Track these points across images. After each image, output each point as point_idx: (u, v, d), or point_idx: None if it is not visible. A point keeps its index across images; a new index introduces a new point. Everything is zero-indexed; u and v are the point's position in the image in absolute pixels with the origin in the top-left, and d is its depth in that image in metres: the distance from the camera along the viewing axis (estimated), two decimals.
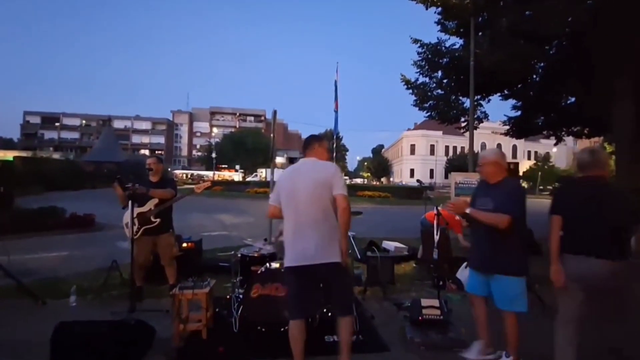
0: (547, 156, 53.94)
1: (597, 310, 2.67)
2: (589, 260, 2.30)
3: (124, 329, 2.80)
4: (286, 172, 2.72)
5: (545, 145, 57.86)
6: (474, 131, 10.99)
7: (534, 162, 54.76)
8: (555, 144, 14.12)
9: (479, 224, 2.65)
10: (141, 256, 3.97)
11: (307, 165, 2.60)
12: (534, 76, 10.50)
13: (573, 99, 10.54)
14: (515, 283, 2.61)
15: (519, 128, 12.26)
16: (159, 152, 66.10)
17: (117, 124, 64.44)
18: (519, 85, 10.76)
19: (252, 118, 73.43)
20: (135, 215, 3.79)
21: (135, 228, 3.83)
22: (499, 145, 60.53)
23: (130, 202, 3.74)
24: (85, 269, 5.15)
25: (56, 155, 39.75)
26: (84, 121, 66.49)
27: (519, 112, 11.91)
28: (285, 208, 2.54)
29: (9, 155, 31.74)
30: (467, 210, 2.70)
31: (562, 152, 57.32)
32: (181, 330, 3.03)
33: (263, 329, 3.21)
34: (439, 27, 11.03)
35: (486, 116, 12.20)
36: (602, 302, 2.65)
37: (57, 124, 65.21)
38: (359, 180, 61.42)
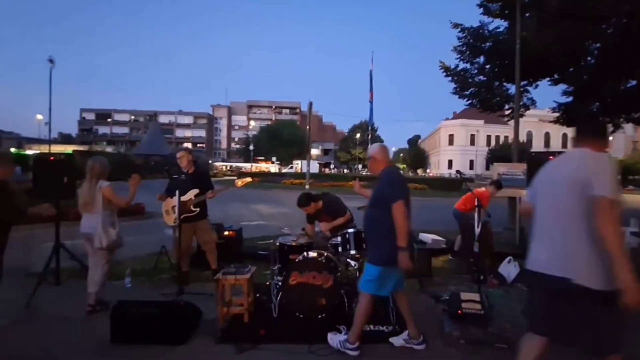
0: None
1: None
2: None
3: (174, 309, 3.02)
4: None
5: None
6: (520, 119, 10.37)
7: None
8: (612, 132, 12.96)
9: None
10: (184, 242, 4.23)
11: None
12: (589, 58, 9.67)
13: (634, 82, 9.60)
14: (370, 269, 2.75)
15: (570, 115, 11.37)
16: (201, 145, 69.04)
17: (162, 119, 68.05)
18: (571, 69, 9.96)
19: (287, 110, 74.30)
20: (175, 204, 4.05)
21: (174, 216, 4.09)
22: (547, 134, 56.93)
23: (177, 192, 3.98)
24: (138, 253, 5.56)
25: (109, 149, 42.82)
26: (132, 117, 70.82)
27: (570, 98, 11.04)
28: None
29: (68, 149, 34.67)
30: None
31: (620, 141, 52.47)
32: (225, 313, 3.21)
33: (301, 315, 3.32)
34: (481, 10, 10.44)
35: (533, 103, 11.44)
36: None
37: (109, 119, 69.99)
38: None
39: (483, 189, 5.61)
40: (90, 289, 3.44)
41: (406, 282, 4.43)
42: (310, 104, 6.36)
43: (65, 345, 2.88)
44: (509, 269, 4.70)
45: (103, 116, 70.29)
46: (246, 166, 51.72)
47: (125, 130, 70.38)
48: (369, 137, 40.84)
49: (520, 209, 2.43)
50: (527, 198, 2.28)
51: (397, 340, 2.91)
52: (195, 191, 4.28)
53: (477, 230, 3.93)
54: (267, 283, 3.96)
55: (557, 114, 11.69)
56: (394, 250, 2.58)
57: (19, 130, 68.02)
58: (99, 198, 3.47)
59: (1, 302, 3.21)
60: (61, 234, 4.20)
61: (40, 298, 3.67)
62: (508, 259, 4.80)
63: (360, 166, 57.02)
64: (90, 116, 70.70)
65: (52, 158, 4.23)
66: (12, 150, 31.18)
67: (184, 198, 4.23)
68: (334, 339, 2.85)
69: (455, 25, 10.69)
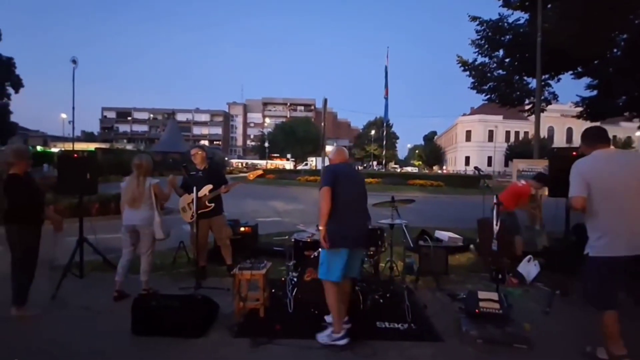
0: (628, 141, 47.75)
1: None
2: None
3: (192, 303, 3.08)
4: (597, 162, 2.56)
5: (626, 129, 50.96)
6: (541, 114, 10.06)
7: (612, 147, 48.76)
8: None
9: None
10: (200, 238, 4.31)
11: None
12: (615, 50, 9.28)
13: None
14: (321, 252, 2.94)
15: (594, 110, 10.95)
16: (217, 142, 70.04)
17: (180, 117, 69.33)
18: (596, 62, 9.58)
19: (302, 108, 74.43)
20: (191, 200, 4.14)
21: (191, 212, 4.17)
22: (569, 130, 54.98)
23: (194, 188, 4.06)
24: (157, 248, 5.67)
25: (129, 147, 43.89)
26: (151, 115, 72.44)
27: (594, 92, 10.63)
28: (603, 200, 2.45)
29: (91, 146, 35.78)
30: None
31: None
32: (241, 307, 3.26)
33: (316, 311, 3.33)
34: (500, 2, 10.17)
35: (555, 97, 11.10)
36: None
37: (129, 118, 71.78)
38: (408, 169, 59.68)
39: (523, 182, 5.35)
40: (143, 277, 3.76)
41: (422, 280, 4.42)
42: (325, 101, 6.35)
43: (88, 335, 2.98)
44: (528, 267, 4.58)
45: (123, 114, 72.12)
46: (261, 163, 52.12)
47: (144, 128, 72.03)
48: (384, 133, 40.61)
49: (574, 202, 2.55)
50: (577, 192, 2.50)
51: (322, 337, 2.88)
52: (209, 187, 4.37)
53: (496, 228, 3.84)
54: (283, 279, 3.99)
55: (580, 109, 11.28)
56: (334, 234, 2.78)
57: (45, 129, 70.63)
58: (148, 194, 3.74)
59: (30, 293, 3.35)
60: (84, 228, 4.35)
61: (65, 290, 3.81)
62: (528, 257, 4.68)
63: (375, 163, 56.62)
64: (112, 115, 72.67)
65: (75, 155, 4.36)
66: (39, 148, 32.41)
67: (199, 194, 4.32)
68: (321, 336, 2.88)
69: (474, 19, 10.45)
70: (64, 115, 37.48)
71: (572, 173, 2.58)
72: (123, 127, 72.14)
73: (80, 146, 33.68)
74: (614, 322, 2.44)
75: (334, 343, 2.80)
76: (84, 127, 72.96)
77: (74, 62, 21.30)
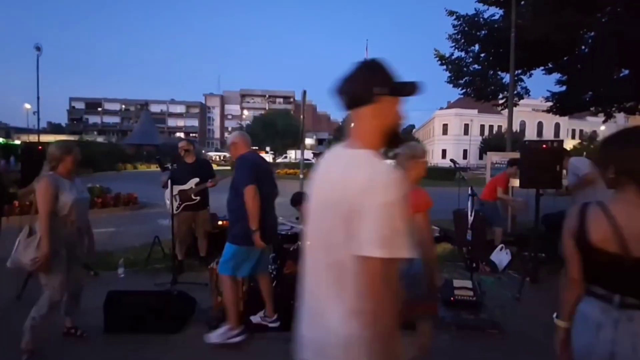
0: (593, 135, 50.26)
1: None
2: None
3: (168, 299, 3.01)
4: None
5: (592, 123, 53.70)
6: (513, 109, 10.39)
7: (579, 141, 51.27)
8: (604, 122, 13.07)
9: None
10: (181, 231, 4.22)
11: None
12: (583, 47, 9.66)
13: (627, 72, 9.64)
14: (227, 247, 2.83)
15: (563, 104, 11.42)
16: (193, 134, 68.32)
17: (154, 108, 67.09)
18: (565, 58, 9.96)
19: (281, 100, 73.70)
20: (176, 192, 4.03)
21: (176, 205, 4.07)
22: (540, 124, 57.27)
23: (169, 182, 3.94)
24: (131, 243, 5.53)
25: (100, 139, 42.18)
26: (123, 106, 69.66)
27: (564, 87, 11.08)
28: None
29: (58, 138, 34.07)
30: None
31: (611, 130, 52.81)
32: (219, 302, 3.21)
33: (295, 304, 3.33)
34: None
35: (527, 92, 11.46)
36: None
37: (99, 109, 68.78)
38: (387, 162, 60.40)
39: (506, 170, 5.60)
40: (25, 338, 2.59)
41: None
42: (304, 93, 6.29)
43: (59, 335, 2.86)
44: (500, 256, 4.76)
45: (93, 105, 69.00)
46: None
47: (116, 119, 69.28)
48: None
49: (586, 179, 2.91)
50: (588, 168, 3.06)
51: (255, 318, 3.03)
52: (196, 180, 4.29)
53: (470, 218, 3.96)
54: None
55: (550, 104, 11.74)
56: (245, 231, 2.69)
57: (7, 120, 66.53)
58: None
59: None
60: None
61: (32, 289, 3.63)
62: (500, 246, 4.87)
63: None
64: (80, 105, 69.37)
65: (40, 147, 4.13)
66: (0, 140, 30.59)
67: (185, 187, 4.23)
68: (213, 336, 2.75)
69: (451, 13, 10.60)
70: (27, 106, 35.48)
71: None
72: (93, 119, 69.05)
73: (46, 138, 32.04)
74: None
75: (230, 341, 2.71)
76: (50, 119, 69.47)
77: (38, 49, 20.10)
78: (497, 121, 55.02)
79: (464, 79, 11.27)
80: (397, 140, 1.10)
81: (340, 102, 1.07)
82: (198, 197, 4.33)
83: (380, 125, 1.03)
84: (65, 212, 2.49)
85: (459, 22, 10.54)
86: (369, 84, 1.00)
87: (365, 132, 1.03)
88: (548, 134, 55.11)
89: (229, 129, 71.71)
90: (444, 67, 11.27)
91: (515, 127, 48.55)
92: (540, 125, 57.83)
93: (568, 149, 4.62)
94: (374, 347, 0.90)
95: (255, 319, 3.03)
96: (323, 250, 1.00)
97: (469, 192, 4.06)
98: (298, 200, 4.23)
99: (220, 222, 5.21)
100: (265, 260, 3.08)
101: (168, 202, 4.36)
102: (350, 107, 1.05)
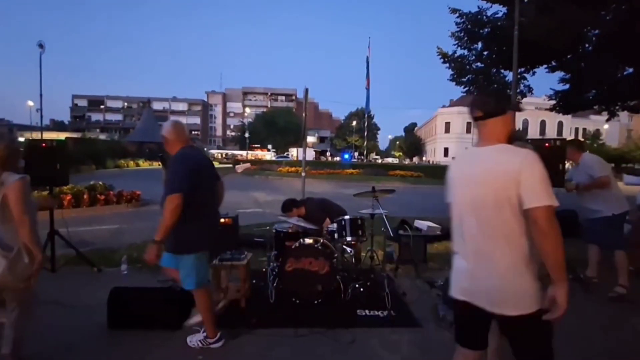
0: (597, 133, 49.99)
1: None
2: None
3: (170, 295, 3.03)
4: None
5: (595, 122, 53.49)
6: None
7: (582, 139, 50.96)
8: (608, 120, 13.01)
9: None
10: None
11: None
12: (587, 45, 9.60)
13: (631, 70, 9.57)
14: (184, 260, 2.51)
15: (567, 103, 11.35)
16: (195, 132, 68.42)
17: (156, 106, 67.10)
18: (569, 56, 9.90)
19: (283, 97, 73.60)
20: None
21: None
22: (543, 122, 56.97)
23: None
24: (133, 240, 5.55)
25: (102, 136, 42.26)
26: (125, 103, 69.82)
27: (567, 86, 11.01)
28: None
29: (61, 136, 34.18)
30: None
31: (614, 129, 52.81)
32: (221, 299, 3.23)
33: (297, 301, 3.35)
34: None
35: (530, 90, 11.40)
36: None
37: (101, 106, 68.94)
38: (389, 160, 60.40)
39: None
40: (4, 349, 2.32)
41: (402, 268, 4.51)
42: (306, 91, 6.28)
43: (64, 331, 2.89)
44: None
45: (96, 103, 69.21)
46: (242, 154, 51.44)
47: (118, 117, 69.47)
48: (365, 124, 40.80)
49: (601, 181, 3.17)
50: (603, 170, 3.52)
51: (194, 341, 2.66)
52: None
53: None
54: (264, 269, 3.98)
55: (553, 102, 11.68)
56: (197, 236, 2.47)
57: (10, 117, 66.66)
58: None
59: None
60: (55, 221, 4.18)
61: (37, 285, 3.66)
62: None
63: (356, 154, 57.00)
64: (83, 103, 69.59)
65: (44, 145, 4.15)
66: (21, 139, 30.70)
67: None
68: (193, 340, 2.67)
69: (454, 11, 10.54)
70: (30, 103, 35.66)
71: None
72: (95, 116, 69.29)
73: (49, 135, 32.13)
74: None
75: (209, 347, 2.63)
76: (54, 116, 69.87)
77: (41, 46, 20.11)
78: None
79: (466, 77, 11.22)
80: (512, 140, 1.59)
81: (473, 113, 1.61)
82: None
83: (507, 130, 1.57)
84: None
85: (462, 20, 10.48)
86: (501, 102, 1.61)
87: (499, 134, 1.56)
88: (551, 133, 54.83)
89: (231, 126, 71.82)
90: (447, 65, 11.22)
91: (518, 125, 48.40)
92: (543, 123, 57.55)
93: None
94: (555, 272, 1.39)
95: (194, 340, 2.67)
96: (488, 216, 1.48)
97: None
98: (289, 206, 4.20)
99: (222, 220, 5.23)
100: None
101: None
102: (485, 118, 1.57)
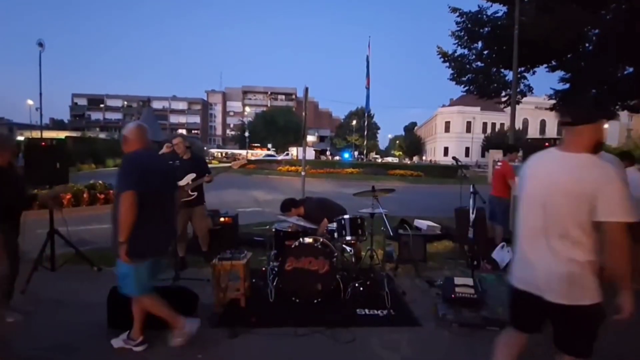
0: None
1: None
2: None
3: (170, 294, 3.02)
4: None
5: None
6: (516, 106, 10.36)
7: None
8: (607, 120, 13.00)
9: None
10: (179, 227, 4.23)
11: None
12: (587, 45, 9.61)
13: (631, 70, 9.58)
14: (120, 265, 2.44)
15: (566, 102, 11.38)
16: (195, 131, 68.37)
17: (156, 105, 67.06)
18: (569, 56, 9.90)
19: (283, 97, 73.51)
20: None
21: None
22: (543, 122, 56.95)
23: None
24: None
25: (102, 135, 42.24)
26: (125, 102, 69.68)
27: (567, 85, 11.02)
28: None
29: (60, 135, 34.16)
30: None
31: (614, 129, 52.79)
32: (221, 298, 3.24)
33: (297, 300, 3.35)
34: None
35: (530, 90, 11.42)
36: None
37: (101, 105, 68.84)
38: (389, 159, 60.38)
39: (500, 164, 5.38)
40: None
41: (402, 267, 4.51)
42: (306, 90, 6.27)
43: (63, 330, 2.89)
44: (502, 254, 4.76)
45: (95, 102, 69.09)
46: (242, 153, 51.45)
47: (118, 116, 69.33)
48: (365, 123, 40.73)
49: None
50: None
51: (117, 342, 2.63)
52: (192, 175, 4.33)
53: (472, 216, 3.96)
54: (264, 268, 3.98)
55: (553, 101, 11.69)
56: (141, 243, 2.37)
57: (10, 116, 66.56)
58: None
59: None
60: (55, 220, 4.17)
61: (36, 283, 3.66)
62: (502, 244, 4.86)
63: (356, 153, 57.00)
64: (83, 102, 69.47)
65: (43, 143, 4.15)
66: (20, 138, 30.73)
67: (181, 183, 4.23)
68: (117, 340, 2.65)
69: (454, 10, 10.55)
70: (30, 102, 35.59)
71: None
72: (95, 115, 69.15)
73: (49, 134, 32.12)
74: None
75: (130, 347, 2.59)
76: (53, 115, 69.51)
77: (41, 45, 20.09)
78: (499, 119, 54.77)
79: (466, 77, 11.23)
80: (599, 150, 1.64)
81: (562, 118, 1.69)
82: (195, 193, 4.35)
83: (594, 139, 1.61)
84: None
85: (462, 19, 10.49)
86: (593, 110, 1.65)
87: (585, 143, 1.61)
88: (551, 132, 54.77)
89: (231, 125, 71.73)
90: (447, 64, 11.24)
91: (518, 125, 48.33)
92: (543, 123, 57.52)
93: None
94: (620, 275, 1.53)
95: (118, 342, 2.63)
96: (559, 215, 1.59)
97: (471, 190, 4.06)
98: (288, 206, 4.20)
99: (222, 219, 5.24)
100: (157, 272, 2.71)
101: None
102: (574, 125, 1.63)
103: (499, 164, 5.41)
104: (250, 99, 74.39)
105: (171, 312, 2.60)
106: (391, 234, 4.52)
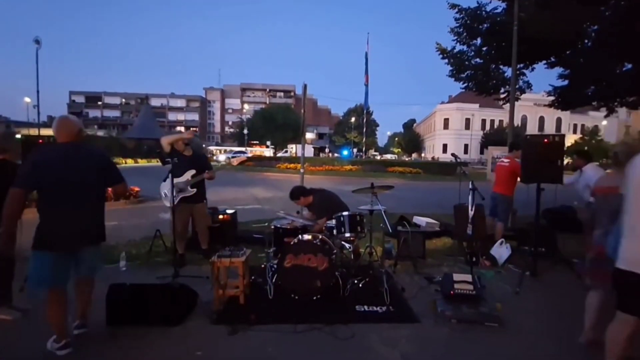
0: (595, 130, 50.04)
1: None
2: None
3: (169, 292, 3.03)
4: None
5: (594, 118, 53.57)
6: (515, 103, 10.35)
7: (580, 136, 51.08)
8: (606, 116, 13.03)
9: None
10: (180, 224, 4.24)
11: None
12: (586, 41, 9.58)
13: (630, 66, 9.56)
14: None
15: (565, 99, 11.35)
16: (194, 128, 68.17)
17: (154, 102, 66.86)
18: (568, 52, 9.88)
19: (281, 94, 73.32)
20: (172, 185, 4.03)
21: (172, 197, 4.08)
22: (541, 118, 57.00)
23: (170, 175, 3.94)
24: (132, 237, 5.55)
25: (100, 133, 42.09)
26: (123, 100, 69.40)
27: (566, 82, 11.00)
28: None
29: None
30: None
31: (612, 125, 52.89)
32: (220, 295, 3.23)
33: (296, 297, 3.35)
34: None
35: (529, 86, 11.38)
36: None
37: (99, 102, 68.52)
38: (388, 156, 60.35)
39: (505, 160, 5.29)
40: None
41: (401, 264, 4.52)
42: (305, 87, 6.25)
43: None
44: (500, 251, 4.77)
45: (93, 99, 68.77)
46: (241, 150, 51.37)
47: (116, 113, 69.07)
48: (364, 120, 40.74)
49: (597, 188, 2.53)
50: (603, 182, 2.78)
51: (49, 344, 2.57)
52: (192, 172, 4.32)
53: (471, 213, 3.96)
54: (263, 266, 3.99)
55: (552, 98, 11.68)
56: (37, 231, 2.40)
57: (6, 113, 66.19)
58: None
59: None
60: None
61: None
62: (500, 241, 4.87)
63: (355, 150, 56.97)
64: (80, 99, 69.13)
65: (40, 141, 4.13)
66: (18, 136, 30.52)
67: (181, 179, 4.24)
68: (49, 342, 2.58)
69: (453, 6, 10.49)
70: (27, 99, 35.38)
71: None
72: (93, 112, 68.81)
73: (46, 132, 31.99)
74: None
75: (54, 351, 2.53)
76: (51, 112, 69.15)
77: (37, 42, 19.98)
78: (498, 115, 54.77)
79: (465, 73, 11.20)
80: None
81: None
82: (195, 190, 4.35)
83: None
84: None
85: (461, 15, 10.44)
86: None
87: None
88: (550, 129, 54.84)
89: (230, 123, 71.55)
90: (446, 60, 11.19)
91: (517, 121, 48.34)
92: (541, 119, 57.59)
93: (569, 143, 4.41)
94: None
95: (49, 344, 2.57)
96: None
97: (470, 186, 4.06)
98: (297, 194, 4.24)
99: (220, 216, 5.23)
100: (88, 263, 2.67)
101: (163, 194, 4.40)
102: None
103: (505, 160, 5.32)
104: (248, 96, 74.17)
105: (61, 320, 2.56)
106: (390, 230, 4.52)
